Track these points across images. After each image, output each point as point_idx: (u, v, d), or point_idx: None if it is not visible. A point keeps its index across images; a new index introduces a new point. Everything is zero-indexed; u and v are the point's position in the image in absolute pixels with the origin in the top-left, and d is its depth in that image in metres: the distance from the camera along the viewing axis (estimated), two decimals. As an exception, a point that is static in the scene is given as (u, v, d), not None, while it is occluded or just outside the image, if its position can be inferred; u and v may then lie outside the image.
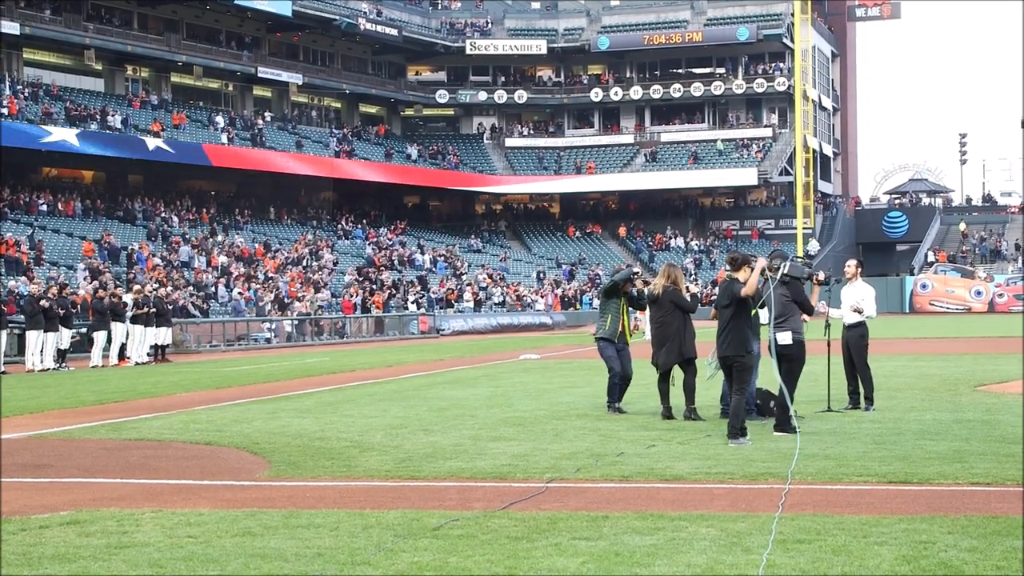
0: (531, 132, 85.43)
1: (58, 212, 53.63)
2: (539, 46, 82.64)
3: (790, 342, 12.96)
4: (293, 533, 7.86)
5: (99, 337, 30.27)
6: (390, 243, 67.91)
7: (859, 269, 15.55)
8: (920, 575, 6.48)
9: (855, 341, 15.16)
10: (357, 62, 79.96)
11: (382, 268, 60.78)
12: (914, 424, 13.27)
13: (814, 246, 73.39)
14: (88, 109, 57.89)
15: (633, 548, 7.23)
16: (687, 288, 14.87)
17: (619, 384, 15.49)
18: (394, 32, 75.88)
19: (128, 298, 31.62)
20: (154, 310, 31.43)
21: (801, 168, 68.53)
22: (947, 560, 6.78)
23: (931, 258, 73.82)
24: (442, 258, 67.15)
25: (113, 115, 58.14)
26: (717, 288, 15.49)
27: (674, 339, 14.51)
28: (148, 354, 31.51)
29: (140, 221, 56.56)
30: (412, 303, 53.83)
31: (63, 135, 53.36)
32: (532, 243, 79.36)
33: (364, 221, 72.03)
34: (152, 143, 57.54)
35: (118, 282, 40.33)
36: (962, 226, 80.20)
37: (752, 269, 12.65)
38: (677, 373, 14.60)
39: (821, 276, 14.24)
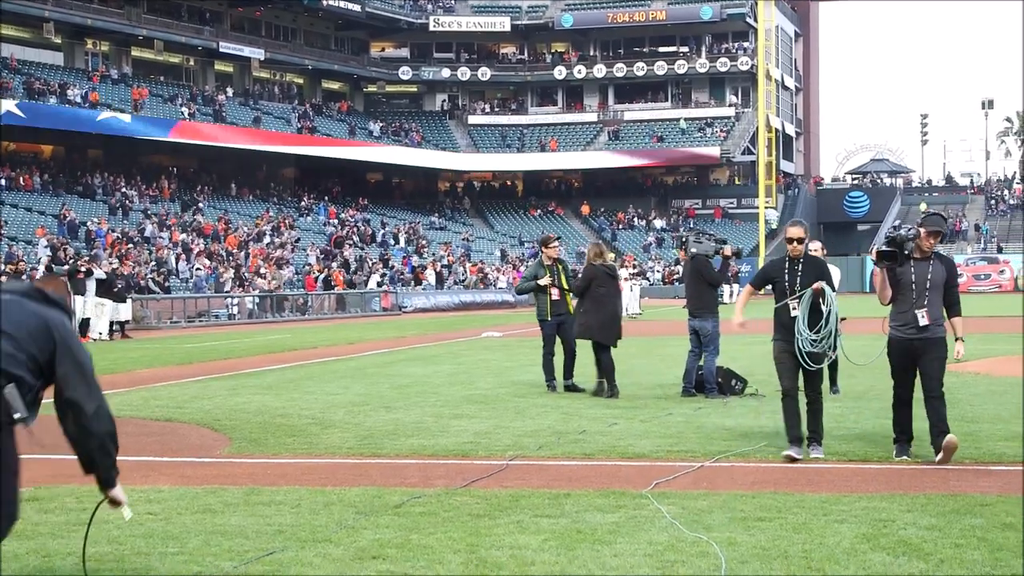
0: (494, 109, 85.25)
1: (17, 187, 53.05)
2: (503, 23, 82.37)
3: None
4: (254, 510, 7.84)
5: None
6: (352, 220, 67.65)
7: (824, 251, 15.63)
8: (880, 552, 6.53)
9: None
10: (320, 38, 79.44)
11: (344, 245, 60.54)
12: (874, 403, 13.34)
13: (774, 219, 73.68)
14: (47, 83, 57.26)
15: (595, 525, 7.25)
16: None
17: (570, 360, 15.59)
18: (357, 8, 75.36)
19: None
20: (121, 285, 31.29)
21: (764, 147, 68.72)
22: (906, 538, 6.83)
23: (892, 237, 74.15)
24: (405, 235, 66.98)
25: (72, 89, 57.53)
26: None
27: (613, 319, 14.70)
28: (114, 329, 31.33)
29: (100, 196, 56.06)
30: (375, 281, 53.68)
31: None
32: (495, 221, 79.25)
33: (326, 198, 71.71)
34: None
35: (77, 257, 39.97)
36: (923, 206, 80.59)
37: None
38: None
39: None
